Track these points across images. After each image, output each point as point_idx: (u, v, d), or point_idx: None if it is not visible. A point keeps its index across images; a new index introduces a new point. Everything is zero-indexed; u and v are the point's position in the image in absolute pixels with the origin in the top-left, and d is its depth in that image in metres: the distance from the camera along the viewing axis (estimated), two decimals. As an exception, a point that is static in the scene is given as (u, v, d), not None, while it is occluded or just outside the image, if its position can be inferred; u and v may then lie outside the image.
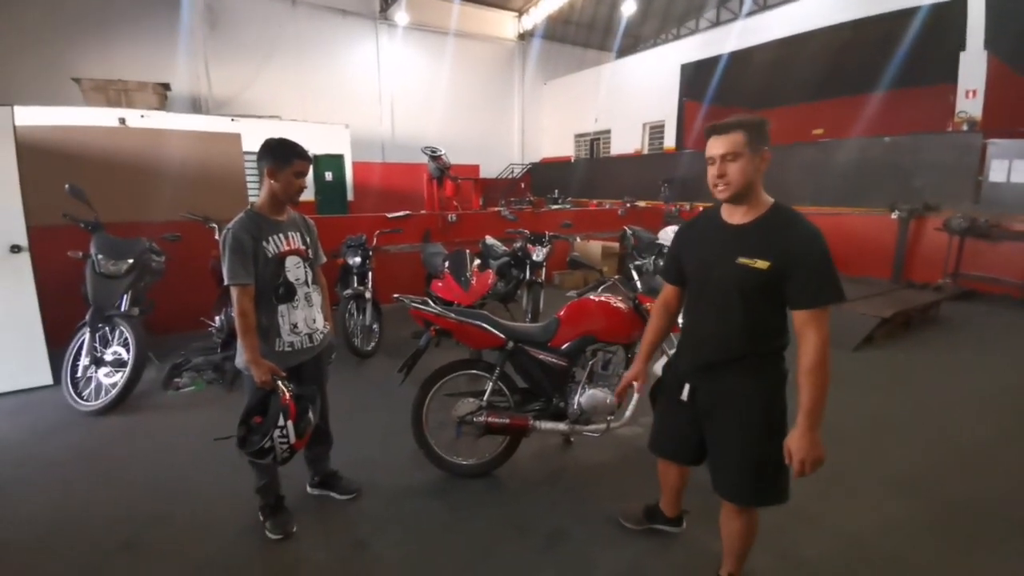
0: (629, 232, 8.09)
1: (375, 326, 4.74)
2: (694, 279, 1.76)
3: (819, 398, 1.52)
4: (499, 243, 6.14)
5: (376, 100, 15.42)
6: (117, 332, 3.77)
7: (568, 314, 2.79)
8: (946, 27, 8.82)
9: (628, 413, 2.69)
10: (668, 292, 1.97)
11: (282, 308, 2.21)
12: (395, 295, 2.80)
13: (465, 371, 2.79)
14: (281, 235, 2.20)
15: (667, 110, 14.35)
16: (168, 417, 3.52)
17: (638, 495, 2.58)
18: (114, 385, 3.62)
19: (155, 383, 3.96)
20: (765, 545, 2.09)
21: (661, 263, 7.71)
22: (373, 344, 4.65)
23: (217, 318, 4.13)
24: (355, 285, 4.70)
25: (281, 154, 2.12)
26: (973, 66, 8.13)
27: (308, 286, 2.30)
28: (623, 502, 2.52)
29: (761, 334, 1.62)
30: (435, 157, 8.25)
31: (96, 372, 3.70)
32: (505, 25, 17.99)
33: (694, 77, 13.81)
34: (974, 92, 8.18)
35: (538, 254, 5.21)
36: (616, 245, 7.94)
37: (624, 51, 18.33)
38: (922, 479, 2.74)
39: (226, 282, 2.06)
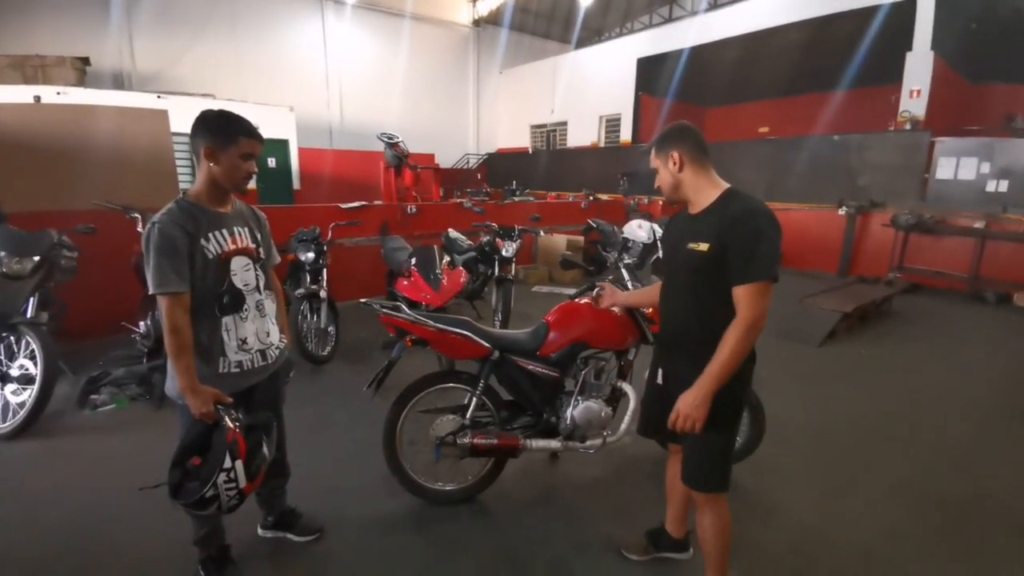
0: (594, 226, 7.97)
1: (331, 328, 4.29)
2: (663, 268, 1.90)
3: (725, 365, 1.56)
4: (463, 237, 5.80)
5: (323, 82, 14.51)
6: (23, 342, 3.17)
7: (558, 319, 2.51)
8: (894, 28, 9.19)
9: (624, 426, 2.45)
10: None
11: (227, 321, 1.80)
12: (362, 300, 2.43)
13: (443, 384, 2.46)
14: (225, 231, 1.78)
15: (623, 103, 14.36)
16: (86, 442, 2.97)
17: (638, 513, 2.38)
18: (22, 405, 3.03)
19: (70, 400, 3.37)
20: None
21: (628, 258, 7.64)
22: (329, 348, 4.21)
23: (142, 323, 3.58)
24: (308, 283, 4.23)
25: (223, 130, 1.71)
26: (919, 67, 8.50)
27: (260, 292, 1.90)
28: (623, 524, 2.30)
29: (711, 319, 1.64)
30: (392, 144, 7.75)
31: (1, 390, 3.09)
32: (459, 9, 17.42)
33: (651, 71, 13.86)
34: (918, 92, 8.57)
35: (507, 249, 4.91)
36: (581, 239, 7.77)
37: (583, 43, 18.22)
38: (909, 481, 2.69)
39: (152, 290, 1.63)
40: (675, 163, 1.69)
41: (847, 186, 8.44)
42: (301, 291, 4.01)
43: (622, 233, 7.60)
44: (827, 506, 2.47)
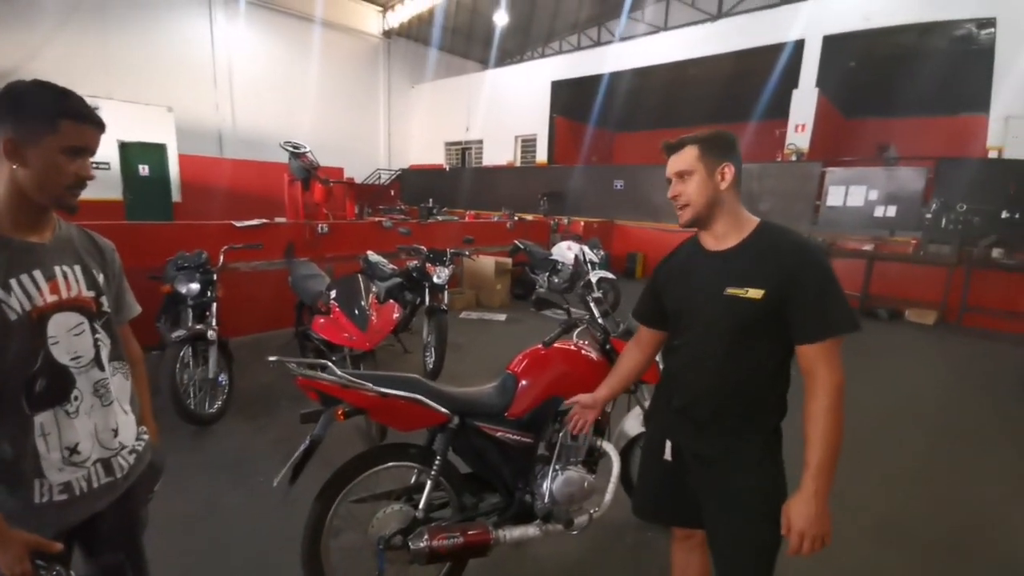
0: (520, 246, 7.65)
1: (222, 377, 3.44)
2: (678, 318, 1.47)
3: (833, 452, 1.23)
4: (385, 260, 5.15)
5: (211, 82, 12.93)
6: None
7: (526, 368, 2.05)
8: (787, 67, 10.08)
9: (609, 496, 2.03)
10: (642, 336, 1.66)
11: (44, 419, 1.10)
12: (271, 358, 1.78)
13: (386, 465, 1.88)
14: (38, 273, 1.10)
15: (539, 124, 14.46)
16: None
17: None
18: None
19: None
20: None
21: (556, 279, 7.41)
22: (220, 402, 3.36)
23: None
24: (190, 323, 3.36)
25: (32, 110, 1.05)
26: (804, 103, 9.35)
27: (101, 368, 1.21)
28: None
29: (759, 383, 1.34)
30: (299, 155, 6.86)
31: None
32: (368, 19, 16.63)
33: (566, 95, 14.12)
34: (803, 126, 9.42)
35: (439, 275, 4.38)
36: (508, 261, 7.41)
37: (501, 63, 18.21)
38: (886, 518, 2.57)
39: None
40: (724, 177, 1.34)
41: (750, 211, 8.98)
42: (181, 333, 3.14)
43: (551, 255, 7.39)
44: (826, 563, 2.23)
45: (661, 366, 1.63)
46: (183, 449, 2.99)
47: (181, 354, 3.15)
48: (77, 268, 1.19)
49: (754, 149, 12.65)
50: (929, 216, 7.20)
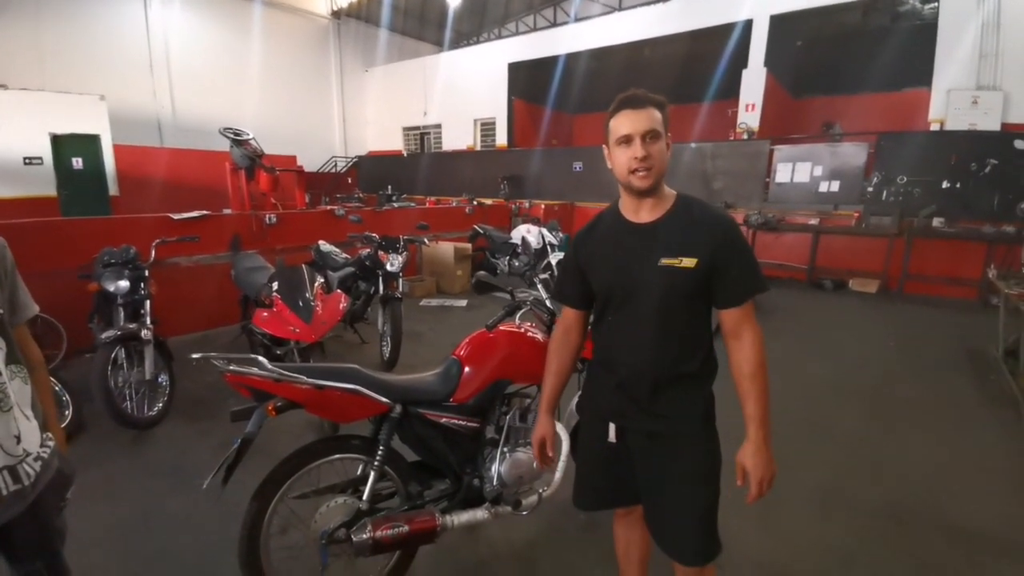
0: (481, 232, 7.59)
1: (162, 377, 3.28)
2: (608, 294, 1.43)
3: (767, 404, 1.33)
4: (337, 250, 5.00)
5: (146, 68, 12.14)
6: None
7: (471, 353, 2.02)
8: (737, 47, 10.23)
9: (558, 474, 2.03)
10: (569, 318, 1.59)
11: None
12: (193, 356, 1.68)
13: (328, 458, 1.82)
14: None
15: (498, 107, 14.26)
16: None
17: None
18: None
19: None
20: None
21: (516, 263, 7.39)
22: (160, 405, 3.20)
23: None
24: (123, 322, 3.17)
25: None
26: (753, 82, 9.53)
27: (-5, 373, 1.12)
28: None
29: (696, 349, 1.37)
30: (240, 142, 6.53)
31: None
32: (315, -1, 15.93)
33: (524, 76, 13.96)
34: (753, 105, 9.62)
35: (393, 263, 4.27)
36: (468, 246, 7.34)
37: (456, 45, 17.80)
38: (834, 489, 2.67)
39: None
40: (669, 146, 1.33)
41: (703, 190, 9.17)
42: (111, 334, 2.95)
43: (510, 239, 7.35)
44: (772, 531, 2.31)
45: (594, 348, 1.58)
46: (120, 455, 2.84)
47: (113, 355, 2.97)
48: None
49: (708, 129, 12.90)
50: (870, 190, 7.51)
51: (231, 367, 1.66)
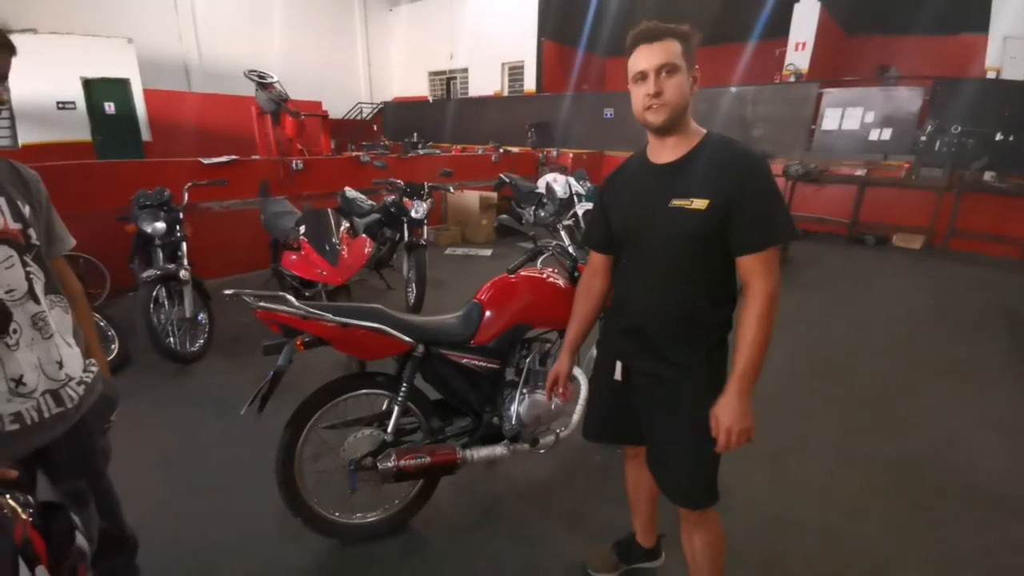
0: (506, 180, 7.47)
1: (202, 316, 3.44)
2: (624, 236, 1.42)
3: (757, 355, 1.25)
4: (363, 196, 5.02)
5: (171, 10, 11.99)
6: None
7: (492, 297, 2.04)
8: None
9: (576, 417, 2.09)
10: (595, 263, 1.58)
11: (-21, 353, 1.09)
12: (226, 291, 1.75)
13: (354, 392, 1.91)
14: None
15: (526, 50, 13.64)
16: None
17: (599, 519, 2.06)
18: None
19: None
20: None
21: (542, 212, 7.28)
22: (201, 342, 3.38)
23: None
24: (162, 263, 3.30)
25: None
26: (805, 19, 8.81)
27: (37, 301, 1.18)
28: (584, 535, 1.98)
29: (704, 296, 1.31)
30: (265, 85, 6.49)
31: None
32: (338, -68, 15.20)
33: (554, 16, 13.22)
34: (804, 45, 8.93)
35: (417, 209, 4.27)
36: (494, 196, 7.26)
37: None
38: (850, 441, 2.67)
39: None
40: (696, 81, 1.26)
41: (742, 137, 8.71)
42: (151, 273, 3.09)
43: (536, 188, 7.23)
44: (780, 478, 2.34)
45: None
46: (164, 387, 3.04)
47: (154, 294, 3.12)
48: (1, 200, 1.13)
49: (752, 72, 12.08)
50: (924, 139, 7.00)
51: (261, 304, 1.72)
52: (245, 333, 3.76)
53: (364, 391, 1.91)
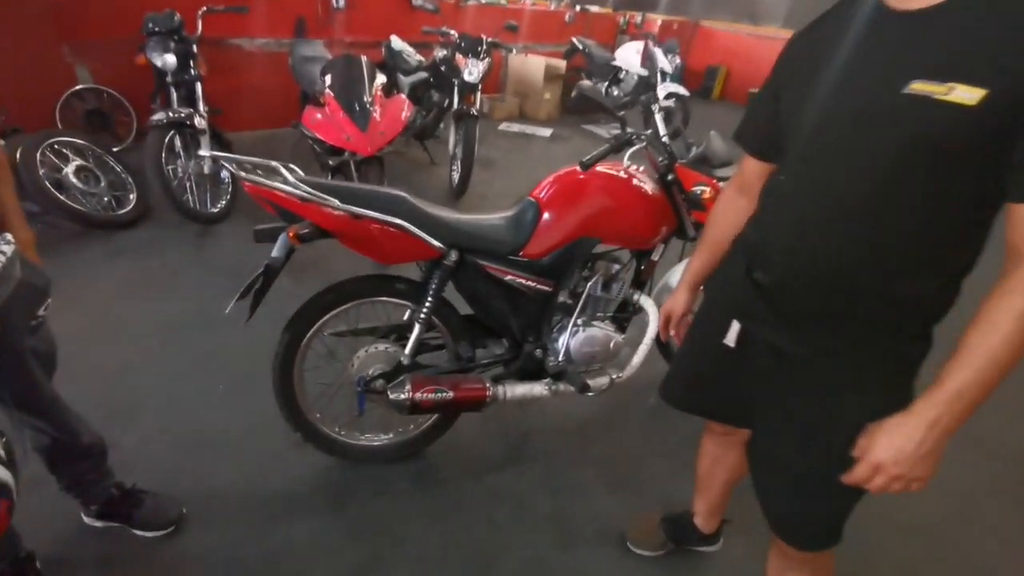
0: (579, 46, 6.35)
1: (224, 174, 3.08)
2: (795, 130, 0.84)
3: (993, 373, 0.69)
4: (412, 50, 4.27)
5: None
6: None
7: (554, 197, 1.54)
8: None
9: (638, 358, 1.68)
10: (749, 173, 1.04)
11: None
12: (202, 152, 1.34)
13: (367, 299, 1.53)
14: None
15: None
16: None
17: (644, 478, 1.75)
18: None
19: None
20: None
21: (616, 91, 6.26)
22: (224, 203, 3.05)
23: None
24: (175, 105, 2.87)
25: None
26: None
27: None
28: (627, 496, 1.68)
29: (917, 257, 0.77)
30: None
31: None
32: None
33: None
34: None
35: (471, 71, 3.56)
36: (562, 64, 6.23)
37: None
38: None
39: None
40: None
41: None
42: (161, 116, 2.67)
43: (613, 60, 6.13)
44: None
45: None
46: (183, 248, 2.78)
47: (167, 141, 2.73)
48: None
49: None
50: None
51: (246, 175, 1.29)
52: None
53: (380, 299, 1.53)
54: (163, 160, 2.68)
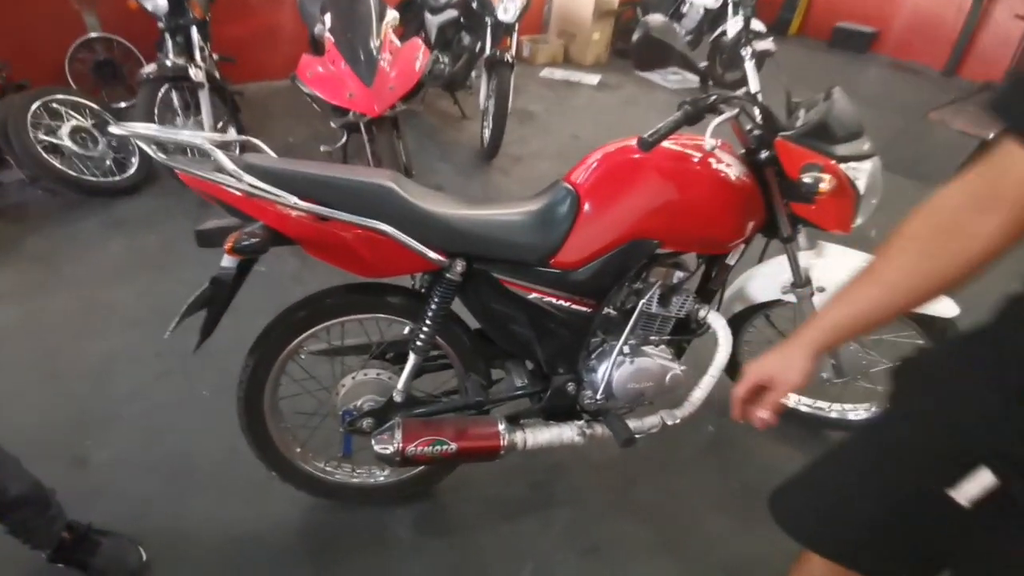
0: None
1: (232, 129, 2.77)
2: None
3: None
4: (441, -17, 3.72)
5: None
6: None
7: (599, 183, 1.12)
8: None
9: (702, 391, 1.27)
10: (1017, 170, 0.48)
11: None
12: (113, 128, 0.97)
13: (352, 316, 1.19)
14: None
15: None
16: None
17: (707, 535, 1.40)
18: None
19: None
20: None
21: (682, 31, 5.45)
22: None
23: None
24: (172, 55, 2.53)
25: None
26: None
27: None
28: (677, 556, 1.34)
29: None
30: None
31: None
32: None
33: None
34: None
35: (506, 8, 3.01)
36: (614, 0, 5.45)
37: None
38: None
39: None
40: None
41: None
42: (150, 69, 2.35)
43: (675, -9, 5.29)
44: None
45: None
46: (182, 218, 2.50)
47: (159, 97, 2.42)
48: None
49: None
50: None
51: (170, 162, 0.94)
52: (293, 148, 3.09)
53: (367, 315, 1.19)
54: (156, 120, 2.38)
